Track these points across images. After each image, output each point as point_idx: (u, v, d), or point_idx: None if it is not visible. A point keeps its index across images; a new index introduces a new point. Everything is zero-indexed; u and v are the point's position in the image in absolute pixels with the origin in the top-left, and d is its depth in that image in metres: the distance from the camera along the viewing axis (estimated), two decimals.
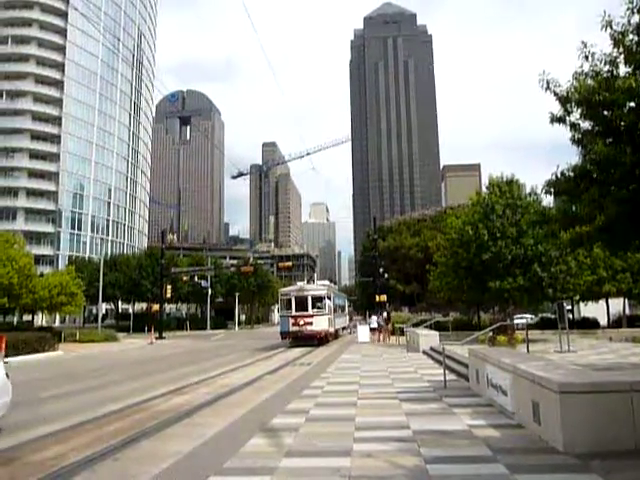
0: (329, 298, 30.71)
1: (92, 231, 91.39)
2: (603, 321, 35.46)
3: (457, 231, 24.50)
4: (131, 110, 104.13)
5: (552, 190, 9.81)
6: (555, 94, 9.30)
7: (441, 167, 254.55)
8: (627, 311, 37.28)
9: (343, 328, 42.41)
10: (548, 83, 9.31)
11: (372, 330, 32.74)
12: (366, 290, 69.14)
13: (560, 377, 6.57)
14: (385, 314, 34.72)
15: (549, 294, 22.91)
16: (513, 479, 5.19)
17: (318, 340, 29.19)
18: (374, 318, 33.65)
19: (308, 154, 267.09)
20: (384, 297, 41.58)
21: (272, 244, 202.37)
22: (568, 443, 5.97)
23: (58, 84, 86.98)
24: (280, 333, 30.57)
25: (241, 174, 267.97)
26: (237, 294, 70.25)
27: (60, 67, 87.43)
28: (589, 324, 33.99)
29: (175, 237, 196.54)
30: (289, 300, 30.16)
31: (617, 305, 35.76)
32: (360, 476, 5.43)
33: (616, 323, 35.02)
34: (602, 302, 34.70)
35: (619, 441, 5.86)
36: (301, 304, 29.75)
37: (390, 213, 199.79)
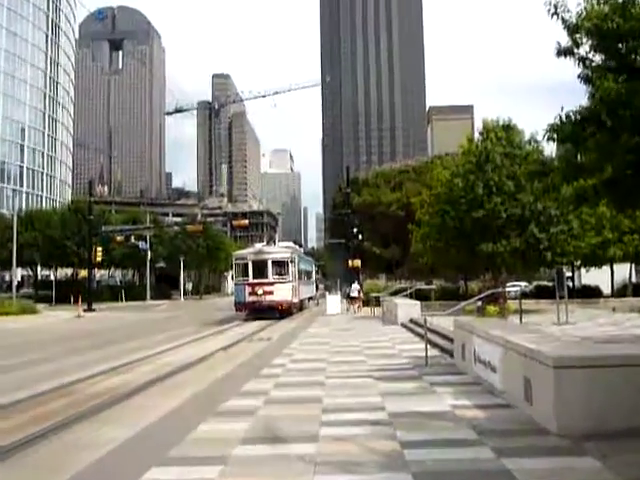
0: (293, 262, 30.92)
1: (1, 181, 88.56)
2: (606, 290, 36.68)
3: (445, 184, 24.76)
4: (48, 30, 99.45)
5: (555, 136, 9.95)
6: (563, 21, 9.35)
7: (427, 109, 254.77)
8: (633, 278, 38.70)
9: (310, 298, 42.91)
10: (556, 7, 9.33)
11: (351, 299, 33.55)
12: (337, 254, 69.71)
13: (555, 350, 6.85)
14: (353, 284, 35.31)
15: (547, 258, 23.56)
16: (499, 463, 5.44)
17: (280, 312, 29.51)
18: (355, 286, 34.26)
19: (276, 93, 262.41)
20: (358, 262, 42.03)
21: (225, 199, 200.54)
22: (562, 424, 6.27)
23: None
24: (234, 304, 30.79)
25: (180, 110, 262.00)
26: (182, 258, 69.89)
27: None
28: (590, 293, 35.15)
29: (106, 189, 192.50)
30: (245, 265, 30.25)
31: (622, 271, 37.01)
32: (327, 462, 5.61)
33: (620, 292, 36.27)
34: (606, 268, 35.79)
35: (618, 421, 6.18)
36: (260, 270, 29.89)
37: (367, 163, 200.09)
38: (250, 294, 29.46)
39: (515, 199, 23.12)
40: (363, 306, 32.91)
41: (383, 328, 21.19)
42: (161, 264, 74.17)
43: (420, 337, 15.83)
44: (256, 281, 29.59)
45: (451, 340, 12.49)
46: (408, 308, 22.28)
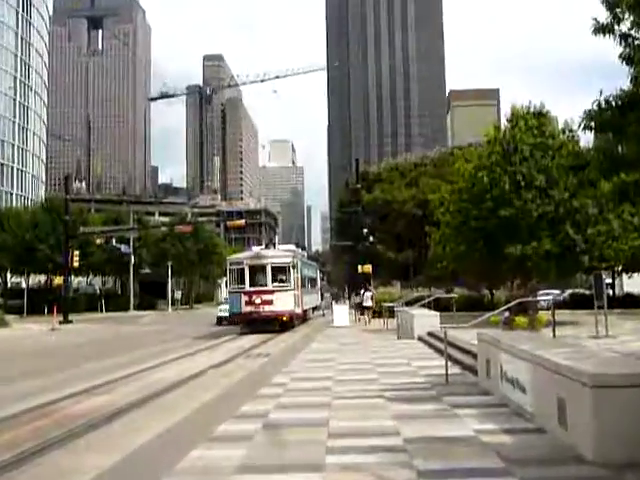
0: (295, 268, 31.01)
1: None
2: None
3: (467, 179, 24.74)
4: (18, 6, 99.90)
5: (592, 124, 9.92)
6: None
7: (446, 94, 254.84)
8: None
9: (314, 309, 42.99)
10: None
11: (364, 309, 33.78)
12: (344, 258, 69.79)
13: (593, 367, 6.83)
14: (363, 291, 35.42)
15: (583, 263, 23.50)
16: None
17: (280, 324, 29.70)
18: (368, 294, 34.37)
19: (276, 77, 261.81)
20: (368, 268, 42.05)
21: (218, 196, 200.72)
22: (601, 451, 6.24)
23: None
24: (229, 315, 30.87)
25: (166, 95, 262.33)
26: (170, 263, 70.17)
27: None
28: (633, 302, 35.06)
29: (84, 185, 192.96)
30: (241, 271, 30.39)
31: None
32: None
33: None
34: None
35: None
36: (257, 276, 30.11)
37: (378, 156, 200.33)
38: (247, 304, 29.54)
39: (547, 195, 23.06)
40: (374, 317, 32.91)
41: (398, 342, 21.19)
42: (146, 270, 74.42)
43: (439, 353, 15.81)
44: (253, 289, 29.70)
45: (474, 356, 12.49)
46: (426, 320, 22.25)
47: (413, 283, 54.27)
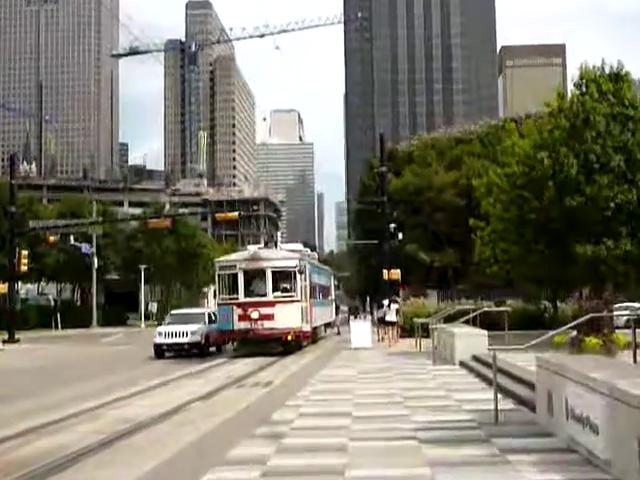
0: (303, 273, 31.04)
1: None
2: None
3: (523, 160, 24.62)
4: None
5: None
6: None
7: (497, 51, 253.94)
8: None
9: (327, 325, 43.00)
10: None
11: (388, 325, 33.88)
12: (365, 261, 69.49)
13: None
14: (386, 302, 35.44)
15: None
16: None
17: (284, 345, 29.79)
18: (393, 307, 34.45)
19: (282, 31, 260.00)
20: (397, 273, 41.85)
21: (204, 181, 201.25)
22: None
23: None
24: (219, 333, 30.95)
25: (135, 52, 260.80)
26: (143, 267, 70.29)
27: None
28: None
29: (34, 167, 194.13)
30: (233, 276, 30.48)
31: None
32: None
33: None
34: None
35: None
36: (255, 283, 30.28)
37: (410, 130, 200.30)
38: (241, 319, 29.56)
39: (628, 180, 22.91)
40: (403, 336, 32.84)
41: (434, 369, 21.11)
42: (113, 276, 74.74)
43: (487, 382, 15.73)
44: (249, 300, 29.72)
45: (532, 387, 12.42)
46: (470, 340, 22.16)
47: (453, 293, 54.10)
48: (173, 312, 37.40)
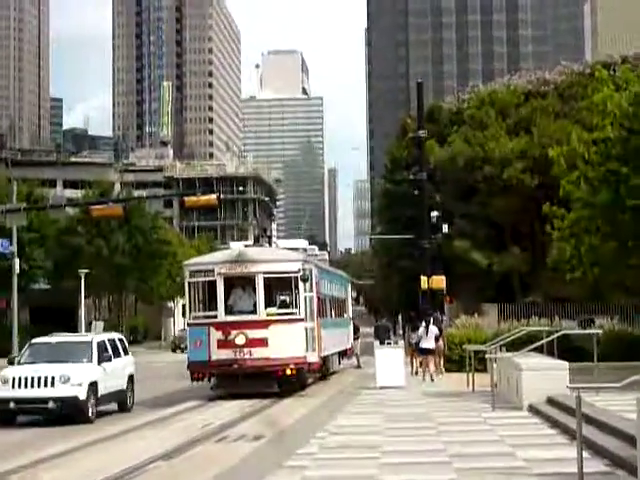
0: (306, 281, 31.03)
1: None
2: None
3: (619, 120, 24.63)
4: None
5: None
6: None
7: None
8: None
9: (341, 354, 42.98)
10: None
11: (423, 354, 34.09)
12: (396, 264, 68.83)
13: None
14: (430, 320, 35.56)
15: None
16: None
17: (281, 381, 30.00)
18: (433, 329, 34.70)
19: None
20: (441, 281, 41.82)
21: (169, 151, 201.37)
22: None
23: None
24: (189, 365, 31.07)
25: None
26: (84, 273, 70.27)
27: None
28: None
29: None
30: (210, 286, 30.65)
31: None
32: None
33: None
34: None
35: None
36: (239, 295, 30.62)
37: (458, 79, 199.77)
38: (221, 346, 29.66)
39: None
40: (450, 369, 32.95)
41: (493, 416, 21.22)
42: (42, 285, 74.77)
43: (568, 435, 15.81)
44: (233, 319, 29.88)
45: (632, 441, 12.45)
46: (544, 376, 22.27)
47: (520, 309, 54.13)
48: (35, 341, 29.47)
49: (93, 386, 25.10)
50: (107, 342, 27.67)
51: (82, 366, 25.47)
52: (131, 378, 28.47)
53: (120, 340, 29.18)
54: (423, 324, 35.79)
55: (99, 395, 25.48)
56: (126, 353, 28.82)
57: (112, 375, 26.48)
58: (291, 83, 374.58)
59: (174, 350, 76.77)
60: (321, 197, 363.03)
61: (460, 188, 57.04)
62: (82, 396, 24.36)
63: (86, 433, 21.25)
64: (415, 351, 35.84)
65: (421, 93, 51.59)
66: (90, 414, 24.78)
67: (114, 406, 27.54)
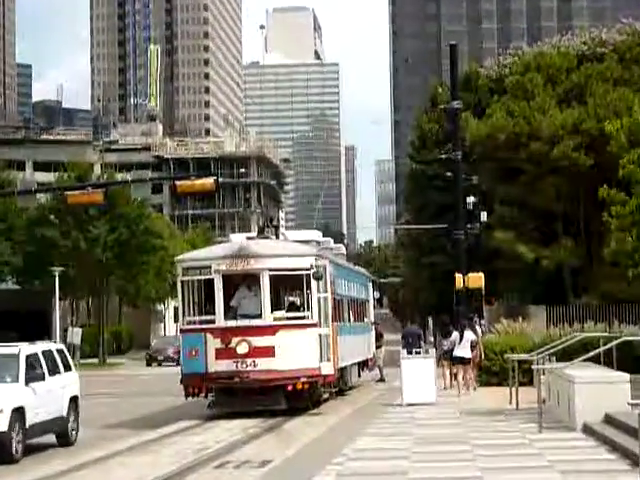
0: (320, 279, 30.91)
1: None
2: None
3: None
4: None
5: None
6: None
7: None
8: None
9: (362, 365, 43.00)
10: None
11: (458, 364, 34.26)
12: (425, 259, 68.71)
13: None
14: (465, 324, 35.53)
15: None
16: None
17: (291, 397, 29.83)
18: (469, 335, 35.03)
19: None
20: (478, 278, 41.82)
21: (157, 127, 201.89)
22: None
23: None
24: (182, 379, 31.06)
25: None
26: (58, 270, 70.27)
27: None
28: None
29: None
30: (207, 285, 30.75)
31: None
32: None
33: None
34: None
35: None
36: (242, 296, 30.54)
37: (499, 40, 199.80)
38: (220, 355, 29.61)
39: None
40: (491, 383, 32.88)
41: (541, 438, 21.07)
42: (9, 285, 74.97)
43: (629, 459, 15.68)
44: (234, 324, 29.83)
45: None
46: (601, 390, 22.11)
47: (573, 311, 54.10)
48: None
49: (19, 413, 22.33)
50: (41, 355, 24.85)
51: (3, 387, 22.70)
52: (74, 401, 26.07)
53: (60, 352, 26.75)
54: (462, 328, 35.79)
55: (27, 425, 22.67)
56: (68, 369, 26.44)
57: (46, 398, 23.89)
58: (301, 46, 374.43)
59: (149, 364, 76.40)
60: (337, 180, 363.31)
61: (501, 169, 56.82)
62: (2, 427, 21.59)
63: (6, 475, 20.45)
64: (446, 360, 35.80)
65: (455, 57, 51.51)
66: (14, 451, 21.91)
67: (52, 438, 25.15)
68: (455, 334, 35.40)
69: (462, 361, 33.80)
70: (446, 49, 59.52)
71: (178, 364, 36.62)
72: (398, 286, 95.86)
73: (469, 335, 34.68)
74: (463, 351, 33.99)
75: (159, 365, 70.58)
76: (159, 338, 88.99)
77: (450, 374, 35.61)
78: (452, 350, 34.97)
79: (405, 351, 39.45)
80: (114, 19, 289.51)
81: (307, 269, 30.62)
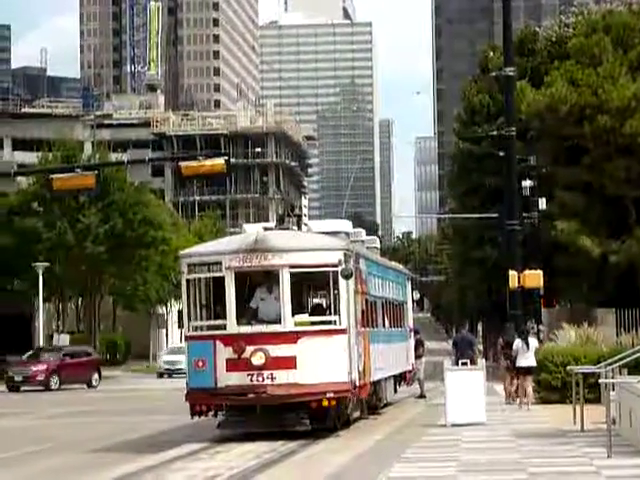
0: (350, 277, 30.86)
1: None
2: None
3: None
4: None
5: None
6: None
7: None
8: None
9: (398, 378, 43.03)
10: None
11: (525, 373, 34.44)
12: (476, 254, 68.64)
13: None
14: (526, 329, 35.61)
15: None
16: None
17: (313, 415, 29.72)
18: (533, 342, 35.26)
19: None
20: (537, 276, 41.86)
21: (158, 98, 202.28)
22: None
23: None
24: (187, 394, 31.03)
25: None
26: (42, 267, 70.56)
27: None
28: None
29: None
30: (216, 284, 30.77)
31: None
32: None
33: None
34: None
35: None
36: (258, 297, 30.64)
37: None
38: (231, 367, 29.49)
39: None
40: (551, 400, 32.95)
41: (609, 464, 20.99)
42: None
43: None
44: (248, 331, 29.72)
45: None
46: None
47: None
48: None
49: None
50: None
51: None
52: None
53: None
54: (532, 342, 35.87)
55: None
56: None
57: None
58: (327, 2, 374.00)
59: (161, 375, 76.42)
60: (370, 161, 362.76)
61: (563, 148, 56.69)
62: None
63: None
64: (509, 370, 35.90)
65: (509, 15, 51.32)
66: None
67: None
68: (518, 341, 35.46)
69: (529, 371, 33.91)
70: (498, 6, 58.95)
71: None
72: (441, 285, 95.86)
73: (534, 342, 34.79)
74: (529, 360, 34.11)
75: (170, 377, 70.54)
76: (170, 347, 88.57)
77: (509, 387, 35.76)
78: (513, 359, 35.12)
79: (451, 360, 39.62)
80: None
81: (334, 265, 30.43)
